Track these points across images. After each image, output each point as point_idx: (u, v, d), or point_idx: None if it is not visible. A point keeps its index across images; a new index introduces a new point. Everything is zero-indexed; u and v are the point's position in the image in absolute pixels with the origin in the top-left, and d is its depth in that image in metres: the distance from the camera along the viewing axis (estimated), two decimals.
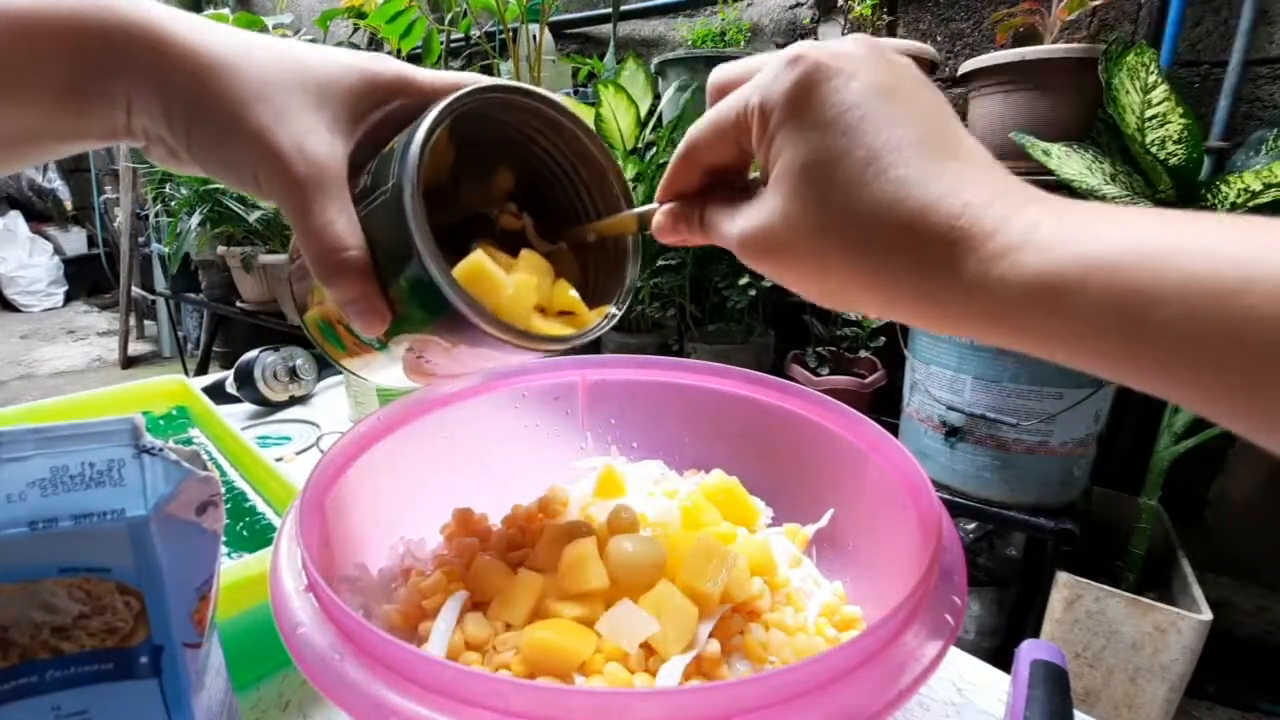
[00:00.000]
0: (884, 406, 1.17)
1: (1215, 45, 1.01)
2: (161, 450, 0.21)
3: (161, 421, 0.62)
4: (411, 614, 0.32)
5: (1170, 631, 0.84)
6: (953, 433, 0.93)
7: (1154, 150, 0.77)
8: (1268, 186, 0.71)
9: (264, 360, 0.75)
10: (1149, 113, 0.78)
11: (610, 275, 0.32)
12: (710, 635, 0.30)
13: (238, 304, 1.96)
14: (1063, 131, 0.89)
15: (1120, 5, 1.05)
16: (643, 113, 1.08)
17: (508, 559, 0.34)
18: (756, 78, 0.22)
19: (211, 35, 0.23)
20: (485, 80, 0.26)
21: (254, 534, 0.44)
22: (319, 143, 0.24)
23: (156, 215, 2.12)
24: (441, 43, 1.55)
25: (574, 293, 0.29)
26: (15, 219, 3.65)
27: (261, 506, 0.47)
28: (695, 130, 0.24)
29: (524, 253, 0.29)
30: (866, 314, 0.21)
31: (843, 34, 0.80)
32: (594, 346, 1.20)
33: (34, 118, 0.23)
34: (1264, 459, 1.07)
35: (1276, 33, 0.97)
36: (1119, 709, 0.89)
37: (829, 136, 0.20)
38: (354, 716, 0.20)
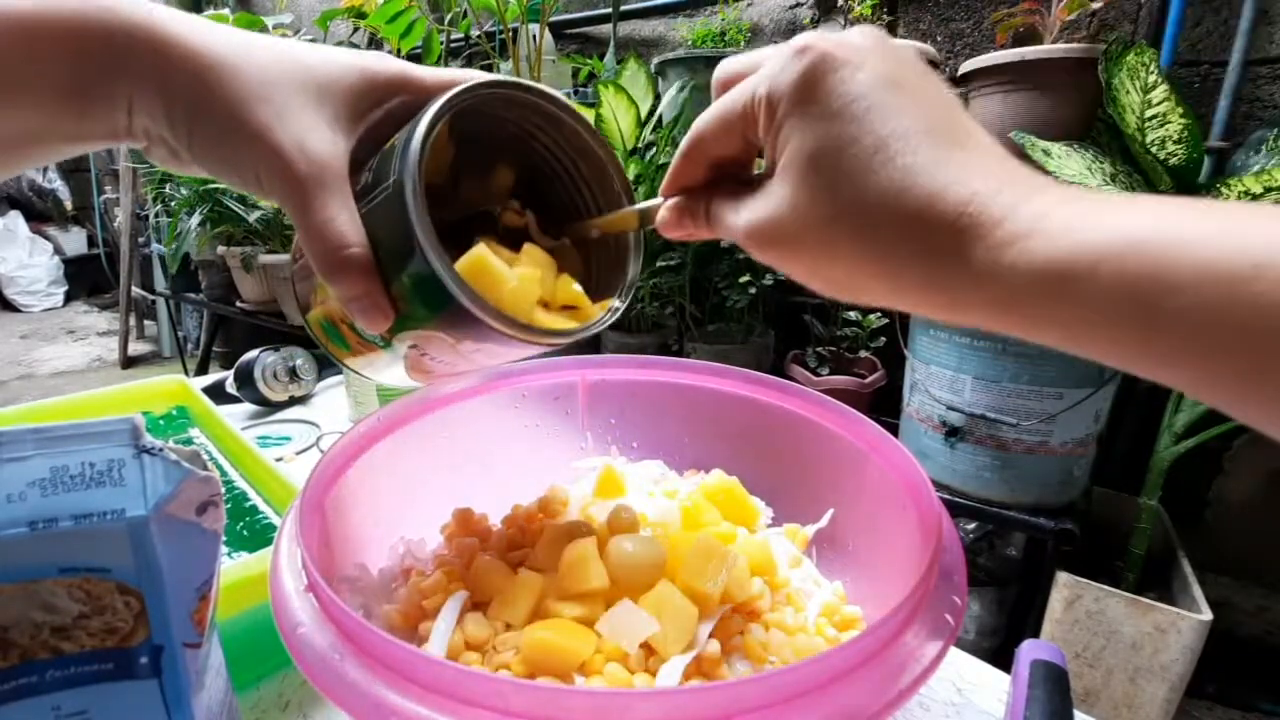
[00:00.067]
0: (884, 406, 1.17)
1: (1215, 45, 1.01)
2: (161, 450, 0.21)
3: (161, 421, 0.62)
4: (411, 614, 0.32)
5: (1170, 631, 0.84)
6: (953, 433, 0.93)
7: (1154, 150, 0.77)
8: (1268, 190, 0.71)
9: (264, 360, 0.75)
10: (1149, 113, 0.78)
11: (612, 270, 0.32)
12: (710, 635, 0.30)
13: (238, 304, 1.96)
14: (1063, 131, 0.89)
15: (1120, 5, 1.05)
16: (643, 113, 1.08)
17: (508, 559, 0.34)
18: (763, 69, 0.22)
19: (212, 36, 0.23)
20: (485, 76, 0.26)
21: (254, 534, 0.44)
22: (320, 141, 0.24)
23: (156, 215, 2.12)
24: (441, 43, 1.55)
25: (577, 286, 0.29)
26: (15, 219, 3.65)
27: (261, 506, 0.47)
28: (701, 123, 0.24)
29: (527, 247, 0.29)
30: (874, 303, 0.21)
31: None
32: (594, 346, 1.20)
33: (36, 120, 0.23)
34: (1264, 459, 1.07)
35: (1276, 33, 0.97)
36: (1119, 709, 0.89)
37: (836, 125, 0.19)
38: (354, 716, 0.20)
